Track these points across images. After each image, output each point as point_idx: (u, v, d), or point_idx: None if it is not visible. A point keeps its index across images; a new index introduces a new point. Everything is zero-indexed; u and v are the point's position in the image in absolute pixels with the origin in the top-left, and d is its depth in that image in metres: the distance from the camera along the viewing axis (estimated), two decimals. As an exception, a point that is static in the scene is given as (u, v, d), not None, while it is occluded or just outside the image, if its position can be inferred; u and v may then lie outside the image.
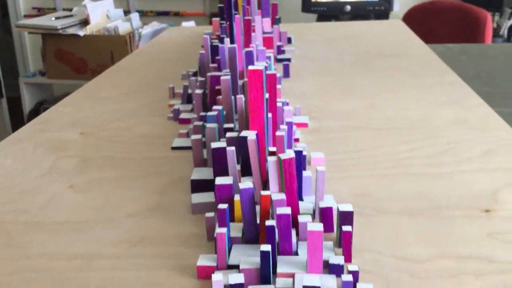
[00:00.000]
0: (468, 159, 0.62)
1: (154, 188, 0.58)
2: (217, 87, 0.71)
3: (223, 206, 0.44)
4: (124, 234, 0.50)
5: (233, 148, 0.51)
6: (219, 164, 0.53)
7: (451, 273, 0.43)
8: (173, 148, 0.69)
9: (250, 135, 0.52)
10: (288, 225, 0.43)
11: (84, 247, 0.48)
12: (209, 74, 0.71)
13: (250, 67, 0.50)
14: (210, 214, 0.48)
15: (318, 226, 0.40)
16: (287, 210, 0.43)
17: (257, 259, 0.42)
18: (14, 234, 0.50)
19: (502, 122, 0.72)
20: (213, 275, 0.38)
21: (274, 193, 0.46)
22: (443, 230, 0.49)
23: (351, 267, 0.40)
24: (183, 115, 0.79)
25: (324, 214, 0.47)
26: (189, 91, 0.83)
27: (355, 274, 0.40)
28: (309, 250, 0.41)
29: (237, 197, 0.48)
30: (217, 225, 0.47)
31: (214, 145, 0.53)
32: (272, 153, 0.49)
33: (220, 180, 0.48)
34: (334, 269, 0.42)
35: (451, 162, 0.62)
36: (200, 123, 0.67)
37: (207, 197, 0.54)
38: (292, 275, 0.41)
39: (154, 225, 0.51)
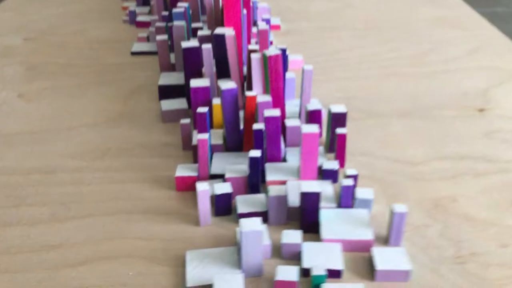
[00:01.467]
0: (454, 58, 0.59)
1: (115, 96, 0.52)
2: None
3: (203, 109, 0.38)
4: (86, 145, 0.44)
5: (209, 45, 0.45)
6: (192, 66, 0.47)
7: (449, 174, 0.40)
8: (133, 53, 0.62)
9: (228, 31, 0.46)
10: (278, 129, 0.38)
11: (42, 160, 0.42)
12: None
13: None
14: (186, 121, 0.42)
15: (313, 128, 0.36)
16: (276, 112, 0.38)
17: (243, 167, 0.38)
18: (-42, 149, 0.44)
19: (484, 20, 0.68)
20: (197, 185, 0.34)
21: (260, 94, 0.40)
22: (437, 131, 0.45)
23: (350, 171, 0.36)
24: (140, 18, 0.71)
25: (312, 117, 0.43)
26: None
27: (354, 178, 0.36)
28: (303, 154, 0.36)
29: (216, 101, 0.42)
30: (195, 132, 0.42)
31: (185, 44, 0.46)
32: (253, 51, 0.44)
33: (195, 83, 0.43)
34: (328, 175, 0.38)
35: (436, 61, 0.58)
36: (162, 24, 0.60)
37: (178, 103, 0.48)
38: (283, 182, 0.37)
39: (119, 135, 0.45)
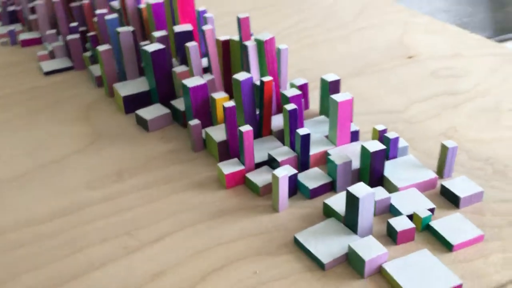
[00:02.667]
0: (348, 22, 0.65)
1: (73, 119, 0.49)
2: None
3: (230, 104, 0.39)
4: (94, 172, 0.41)
5: (195, 43, 0.44)
6: (161, 69, 0.46)
7: (433, 112, 0.46)
8: (47, 73, 0.57)
9: (186, 27, 0.46)
10: (300, 107, 0.40)
11: (57, 200, 0.38)
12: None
13: None
14: (195, 122, 0.42)
15: (347, 96, 0.39)
16: (297, 92, 0.40)
17: (284, 149, 0.39)
18: None
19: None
20: (275, 172, 0.34)
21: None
22: (394, 80, 0.51)
23: (378, 127, 0.39)
24: (24, 36, 0.65)
25: (302, 89, 0.46)
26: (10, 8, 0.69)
27: (385, 131, 0.39)
28: (340, 122, 0.39)
29: (218, 95, 0.42)
30: (205, 130, 0.41)
31: (151, 48, 0.45)
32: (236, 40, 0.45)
33: (190, 82, 0.42)
34: (354, 137, 0.41)
35: (339, 26, 0.64)
36: (75, 36, 0.56)
37: (157, 110, 0.47)
38: (325, 152, 0.39)
39: (118, 155, 0.43)
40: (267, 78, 0.40)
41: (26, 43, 0.64)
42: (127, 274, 0.31)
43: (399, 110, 0.47)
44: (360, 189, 0.32)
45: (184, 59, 0.48)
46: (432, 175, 0.36)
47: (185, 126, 0.46)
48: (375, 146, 0.36)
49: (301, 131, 0.37)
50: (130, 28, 0.49)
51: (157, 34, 0.47)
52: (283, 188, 0.35)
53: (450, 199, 0.35)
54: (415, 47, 0.58)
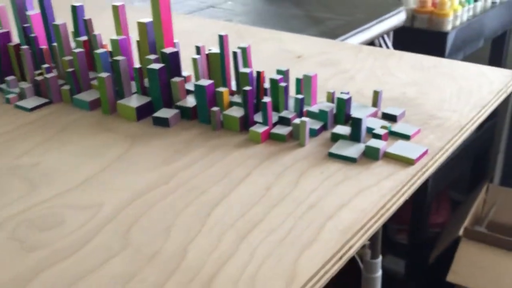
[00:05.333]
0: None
1: (91, 146, 0.61)
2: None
3: (248, 88, 0.58)
4: (141, 184, 0.55)
5: (198, 56, 0.62)
6: (164, 81, 0.62)
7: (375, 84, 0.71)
8: (32, 109, 0.67)
9: (173, 49, 0.64)
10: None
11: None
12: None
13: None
14: (216, 108, 0.60)
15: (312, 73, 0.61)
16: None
17: (284, 113, 0.60)
18: None
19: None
20: (303, 119, 0.55)
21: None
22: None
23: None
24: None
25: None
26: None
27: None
28: (313, 91, 0.61)
29: (222, 89, 0.61)
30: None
31: (156, 67, 0.62)
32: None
33: (203, 83, 0.60)
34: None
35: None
36: (52, 74, 0.67)
37: (169, 111, 0.62)
38: (307, 111, 0.61)
39: (156, 161, 0.58)
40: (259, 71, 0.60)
41: (-19, 92, 0.71)
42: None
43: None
44: (359, 114, 0.54)
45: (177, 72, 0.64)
46: (374, 109, 0.61)
47: (193, 119, 0.62)
48: (344, 97, 0.59)
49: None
50: (123, 57, 0.64)
51: (152, 57, 0.63)
52: (307, 130, 0.56)
53: (389, 119, 0.60)
54: (297, 50, 0.83)
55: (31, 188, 0.50)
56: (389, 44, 1.15)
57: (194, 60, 0.62)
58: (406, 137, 0.56)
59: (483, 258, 1.55)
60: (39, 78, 0.68)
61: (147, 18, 0.64)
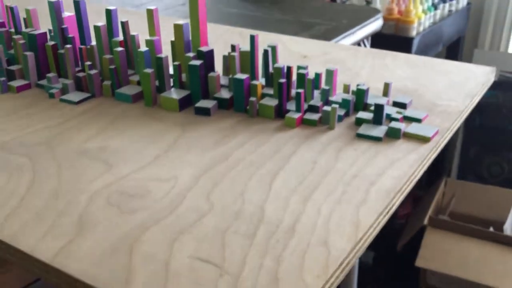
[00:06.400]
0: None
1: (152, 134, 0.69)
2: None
3: (282, 80, 0.67)
4: (200, 165, 0.64)
5: (234, 54, 0.70)
6: (203, 76, 0.71)
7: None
8: (78, 102, 0.74)
9: (209, 48, 0.72)
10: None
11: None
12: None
13: None
14: (253, 98, 0.69)
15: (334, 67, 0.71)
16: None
17: (312, 101, 0.69)
18: None
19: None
20: (333, 106, 0.64)
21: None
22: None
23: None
24: (16, 83, 0.78)
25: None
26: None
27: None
28: (334, 84, 0.71)
29: (256, 82, 0.70)
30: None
31: (197, 63, 0.70)
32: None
33: (241, 76, 0.69)
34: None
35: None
36: (94, 71, 0.74)
37: (209, 102, 0.71)
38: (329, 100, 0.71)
39: (206, 147, 0.66)
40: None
41: (21, 88, 0.78)
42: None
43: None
44: (380, 101, 0.65)
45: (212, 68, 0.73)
46: (386, 98, 0.72)
47: (229, 109, 0.71)
48: (363, 88, 0.69)
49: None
50: (165, 55, 0.72)
51: (190, 54, 0.72)
52: (336, 116, 0.65)
53: (400, 106, 0.71)
54: (305, 50, 0.93)
55: (108, 167, 0.58)
56: (368, 47, 1.27)
57: (233, 56, 0.71)
58: (418, 121, 0.67)
59: (448, 244, 1.69)
60: (80, 74, 0.75)
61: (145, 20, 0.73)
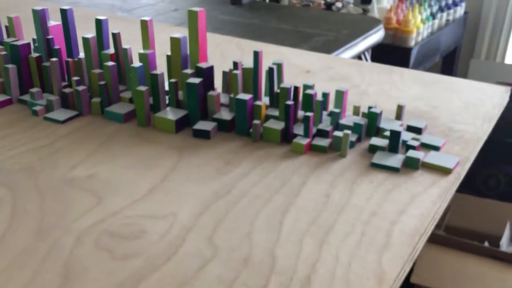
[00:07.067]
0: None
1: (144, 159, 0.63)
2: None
3: (290, 102, 0.61)
4: (210, 191, 0.58)
5: (237, 71, 0.65)
6: (202, 95, 0.65)
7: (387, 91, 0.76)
8: (64, 121, 0.68)
9: (208, 64, 0.66)
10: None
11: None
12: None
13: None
14: (257, 121, 0.63)
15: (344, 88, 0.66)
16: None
17: (321, 125, 0.64)
18: None
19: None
20: (345, 132, 0.59)
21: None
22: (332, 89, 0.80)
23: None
24: (-2, 99, 0.72)
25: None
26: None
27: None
28: (344, 106, 0.66)
29: (260, 103, 0.64)
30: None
31: (196, 81, 0.64)
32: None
33: (243, 96, 0.63)
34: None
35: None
36: (82, 87, 0.68)
37: (207, 124, 0.65)
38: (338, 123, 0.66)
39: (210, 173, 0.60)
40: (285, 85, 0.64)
41: (1, 104, 0.71)
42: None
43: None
44: (396, 128, 0.59)
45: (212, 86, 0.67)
46: (399, 122, 0.66)
47: (230, 131, 0.65)
48: (376, 111, 0.64)
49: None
50: (161, 72, 0.66)
51: (188, 71, 0.66)
52: (348, 142, 0.60)
53: (414, 131, 0.66)
54: (306, 66, 0.87)
55: (98, 200, 0.52)
56: (369, 59, 1.22)
57: (235, 75, 0.65)
58: (436, 148, 0.61)
59: (443, 259, 1.64)
60: (67, 90, 0.69)
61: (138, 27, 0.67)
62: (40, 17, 0.72)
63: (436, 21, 1.81)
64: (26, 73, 0.72)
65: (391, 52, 1.62)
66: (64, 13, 0.71)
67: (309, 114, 0.60)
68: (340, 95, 0.65)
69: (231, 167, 0.58)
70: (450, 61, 2.07)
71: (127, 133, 0.65)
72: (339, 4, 1.82)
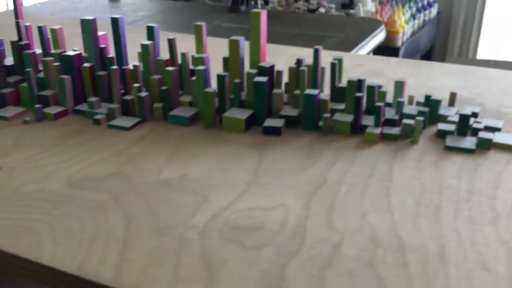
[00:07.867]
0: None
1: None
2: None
3: (359, 94, 0.64)
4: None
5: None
6: (268, 93, 0.66)
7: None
8: (129, 128, 0.68)
9: (270, 63, 0.68)
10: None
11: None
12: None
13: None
14: (327, 115, 0.65)
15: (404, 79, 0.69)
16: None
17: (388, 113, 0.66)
18: None
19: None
20: (417, 119, 0.61)
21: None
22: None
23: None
24: (52, 110, 0.71)
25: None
26: None
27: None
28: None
29: (325, 97, 0.66)
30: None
31: (263, 79, 0.66)
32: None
33: (311, 91, 0.65)
34: (396, 106, 0.71)
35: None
36: (145, 93, 0.68)
37: (276, 121, 0.66)
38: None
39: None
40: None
41: (58, 115, 0.71)
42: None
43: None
44: (467, 111, 0.62)
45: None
46: (455, 108, 0.70)
47: (296, 127, 0.67)
48: (436, 99, 0.67)
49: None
50: (227, 73, 0.67)
51: (252, 71, 0.67)
52: (420, 129, 0.62)
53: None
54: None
55: (203, 198, 0.52)
56: (373, 58, 1.26)
57: (302, 71, 0.67)
58: (497, 130, 0.65)
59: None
60: (128, 97, 0.69)
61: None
62: (91, 27, 0.71)
63: (416, 22, 1.88)
64: (79, 83, 0.72)
65: (380, 52, 1.67)
66: (115, 22, 0.71)
67: (380, 104, 0.63)
68: (400, 86, 0.68)
69: (314, 159, 0.59)
70: (427, 59, 2.15)
71: (196, 135, 0.65)
72: (322, 10, 1.86)
